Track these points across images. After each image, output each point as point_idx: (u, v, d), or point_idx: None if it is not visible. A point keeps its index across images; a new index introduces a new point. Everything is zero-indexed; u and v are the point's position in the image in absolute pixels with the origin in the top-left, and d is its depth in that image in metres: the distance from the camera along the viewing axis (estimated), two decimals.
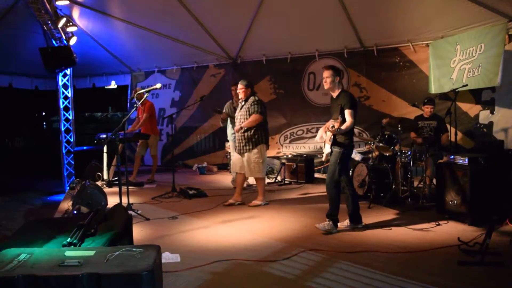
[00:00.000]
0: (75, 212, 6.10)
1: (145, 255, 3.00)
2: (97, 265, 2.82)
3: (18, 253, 3.05)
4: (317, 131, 10.15)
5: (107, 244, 3.54)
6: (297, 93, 11.01)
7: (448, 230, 5.43)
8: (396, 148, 7.20)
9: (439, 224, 5.65)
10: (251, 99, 7.03)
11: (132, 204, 6.73)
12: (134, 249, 3.09)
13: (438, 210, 6.16)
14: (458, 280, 3.85)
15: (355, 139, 9.88)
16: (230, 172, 9.04)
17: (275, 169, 10.55)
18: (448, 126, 7.53)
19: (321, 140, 5.79)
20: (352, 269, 4.17)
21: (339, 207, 5.52)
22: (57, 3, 8.65)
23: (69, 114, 10.12)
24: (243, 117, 6.99)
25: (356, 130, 10.23)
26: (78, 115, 12.84)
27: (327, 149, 5.55)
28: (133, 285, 2.71)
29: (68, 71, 10.04)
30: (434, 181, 6.67)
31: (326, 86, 5.58)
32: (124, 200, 6.48)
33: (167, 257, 4.48)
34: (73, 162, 10.04)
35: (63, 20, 8.89)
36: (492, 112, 8.45)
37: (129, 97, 13.04)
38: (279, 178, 9.55)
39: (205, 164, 11.37)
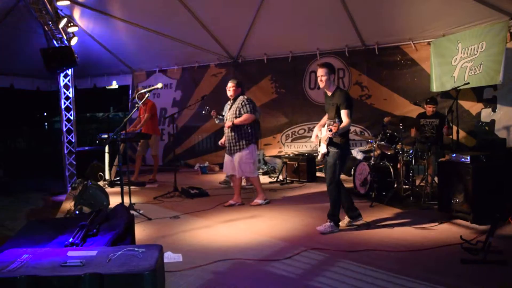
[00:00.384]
0: (77, 212, 6.11)
1: (147, 255, 3.00)
2: (99, 265, 2.82)
3: (20, 253, 3.05)
4: None
5: (109, 244, 3.54)
6: (298, 92, 11.02)
7: (450, 229, 5.42)
8: (398, 146, 7.19)
9: (441, 223, 5.64)
10: (240, 98, 6.97)
11: (134, 204, 6.73)
12: (136, 249, 3.09)
13: (440, 209, 6.14)
14: (460, 279, 3.84)
15: (356, 138, 10.08)
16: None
17: (276, 168, 10.54)
18: (450, 124, 7.51)
19: (316, 140, 5.75)
20: (354, 268, 4.17)
21: (340, 207, 5.52)
22: (58, 3, 8.65)
23: (71, 115, 10.11)
24: (232, 116, 6.93)
25: (357, 129, 10.24)
26: (79, 116, 12.86)
27: (322, 149, 5.49)
28: (135, 285, 2.71)
29: (69, 72, 10.03)
30: (436, 179, 6.66)
31: (322, 84, 5.51)
32: (126, 200, 6.48)
33: (169, 257, 4.48)
34: (75, 163, 10.04)
35: (64, 21, 8.90)
36: (494, 110, 8.44)
37: (130, 97, 13.04)
38: (280, 177, 9.54)
39: (206, 164, 11.38)
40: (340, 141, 5.40)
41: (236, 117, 6.88)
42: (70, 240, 3.55)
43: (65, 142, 10.07)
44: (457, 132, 7.24)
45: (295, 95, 11.06)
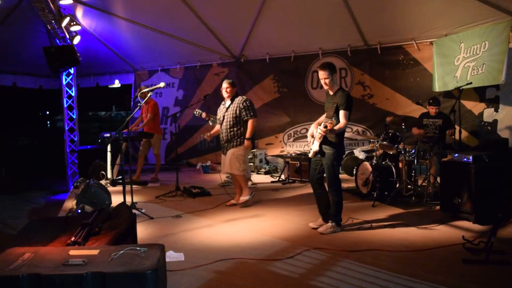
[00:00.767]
0: (79, 211, 6.11)
1: (149, 254, 3.00)
2: (101, 264, 2.82)
3: (23, 252, 3.06)
4: None
5: (111, 243, 3.55)
6: (300, 92, 11.01)
7: (453, 229, 5.42)
8: (400, 146, 7.17)
9: (443, 223, 5.63)
10: (239, 99, 6.92)
11: (136, 203, 6.73)
12: (138, 248, 3.09)
13: (442, 209, 6.14)
14: (462, 279, 3.83)
15: (358, 137, 10.07)
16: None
17: (278, 167, 10.54)
18: (453, 124, 7.50)
19: (310, 137, 5.72)
20: (356, 267, 4.17)
21: (342, 208, 5.51)
22: (61, 2, 8.66)
23: (73, 113, 10.13)
24: (230, 116, 6.86)
25: (360, 128, 10.24)
26: (82, 114, 12.87)
27: (315, 147, 5.41)
28: (137, 284, 2.72)
29: (71, 70, 10.04)
30: (439, 179, 6.65)
31: (326, 87, 5.49)
32: (128, 199, 6.49)
33: (171, 256, 4.49)
34: (77, 161, 10.05)
35: (67, 19, 8.90)
36: (496, 110, 8.43)
37: (132, 96, 13.06)
38: (283, 176, 9.54)
39: (208, 163, 11.37)
40: (335, 140, 5.34)
41: (234, 117, 6.82)
42: (72, 239, 3.55)
43: (68, 140, 10.09)
44: (460, 132, 7.24)
45: (298, 95, 11.06)
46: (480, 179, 5.53)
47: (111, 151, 9.14)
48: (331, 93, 5.54)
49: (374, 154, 8.00)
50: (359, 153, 9.39)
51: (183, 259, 4.47)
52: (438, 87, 8.92)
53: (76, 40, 9.55)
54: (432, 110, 7.68)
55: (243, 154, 6.89)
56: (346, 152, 10.20)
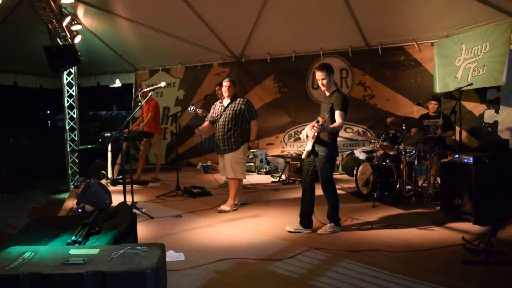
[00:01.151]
0: (80, 210, 6.11)
1: (149, 254, 3.00)
2: (102, 263, 2.82)
3: (23, 251, 3.06)
4: None
5: (111, 243, 3.54)
6: (301, 92, 11.02)
7: (453, 229, 5.42)
8: (401, 147, 7.18)
9: (443, 223, 5.63)
10: (241, 100, 6.80)
11: (136, 202, 6.73)
12: (138, 248, 3.09)
13: (442, 209, 6.14)
14: (462, 279, 3.83)
15: (359, 138, 10.07)
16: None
17: (279, 168, 10.55)
18: (454, 125, 7.50)
19: (303, 138, 5.66)
20: (357, 268, 4.17)
21: (339, 208, 5.50)
22: (62, 1, 8.66)
23: (74, 113, 10.13)
24: (229, 116, 6.72)
25: (360, 129, 10.24)
26: (82, 114, 12.86)
27: (308, 146, 5.39)
28: (137, 283, 2.72)
29: (72, 70, 10.04)
30: (439, 180, 6.65)
31: (324, 88, 5.45)
32: (129, 199, 6.50)
33: (171, 256, 4.49)
34: (77, 161, 10.05)
35: (68, 19, 8.90)
36: (497, 111, 8.43)
37: (133, 96, 13.06)
38: (283, 177, 9.54)
39: (209, 163, 11.38)
40: (328, 139, 5.30)
41: (233, 118, 6.69)
42: (73, 238, 3.55)
43: (68, 140, 10.09)
44: (460, 133, 7.24)
45: (298, 95, 11.06)
46: (480, 180, 5.53)
47: (111, 151, 9.15)
48: (327, 94, 5.51)
49: (374, 154, 8.00)
50: (359, 154, 9.39)
51: (183, 259, 4.47)
52: (439, 88, 8.93)
53: (77, 39, 9.55)
54: (431, 105, 7.70)
55: (242, 157, 6.81)
56: (347, 153, 10.23)
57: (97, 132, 15.09)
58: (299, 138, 10.97)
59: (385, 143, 7.40)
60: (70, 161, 9.94)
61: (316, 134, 5.28)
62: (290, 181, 9.28)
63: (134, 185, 6.99)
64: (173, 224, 5.97)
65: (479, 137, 8.62)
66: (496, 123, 8.42)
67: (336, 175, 10.08)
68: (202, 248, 4.90)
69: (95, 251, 3.06)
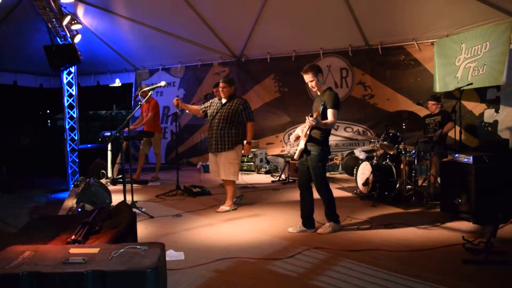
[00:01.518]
0: (80, 209, 6.12)
1: (149, 253, 3.00)
2: (102, 263, 2.82)
3: (23, 250, 3.06)
4: None
5: (111, 242, 3.55)
6: (301, 92, 11.00)
7: (453, 229, 5.42)
8: (401, 146, 7.18)
9: (443, 223, 5.63)
10: (238, 100, 6.70)
11: (136, 202, 6.73)
12: (138, 247, 3.10)
13: (442, 209, 6.14)
14: (462, 279, 3.83)
15: (359, 137, 10.07)
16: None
17: (279, 167, 10.55)
18: (453, 116, 7.47)
19: (293, 139, 5.64)
20: (356, 267, 4.16)
21: (335, 206, 5.48)
22: (62, 0, 8.67)
23: (74, 112, 10.14)
24: (225, 115, 6.62)
25: (360, 128, 10.25)
26: (82, 113, 12.87)
27: (301, 145, 5.37)
28: (137, 283, 2.72)
29: (72, 69, 10.06)
30: (439, 179, 6.66)
31: (314, 89, 5.47)
32: (128, 198, 6.50)
33: (171, 255, 4.49)
34: (77, 160, 10.06)
35: (68, 18, 8.91)
36: (497, 111, 8.43)
37: (133, 95, 13.06)
38: (283, 176, 9.53)
39: (209, 162, 11.35)
40: (320, 138, 5.28)
41: (229, 117, 6.60)
42: (73, 237, 3.56)
43: (68, 139, 10.11)
44: (460, 133, 7.24)
45: (298, 94, 11.05)
46: (480, 179, 5.53)
47: (111, 150, 9.14)
48: (319, 93, 5.52)
49: (374, 154, 7.99)
50: (359, 153, 9.39)
51: (183, 258, 4.47)
52: (439, 87, 8.93)
53: (77, 38, 9.56)
54: (429, 105, 7.72)
55: (236, 158, 6.69)
56: (347, 152, 10.24)
57: (97, 131, 15.08)
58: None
59: (385, 142, 7.40)
60: (70, 160, 9.95)
61: (308, 132, 5.26)
62: (290, 180, 9.28)
63: (134, 185, 6.99)
64: (173, 224, 5.97)
65: (479, 137, 8.62)
66: (496, 122, 8.42)
67: (336, 175, 10.10)
68: (202, 247, 4.90)
69: (95, 250, 3.06)
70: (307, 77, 5.39)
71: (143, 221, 6.04)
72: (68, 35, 9.29)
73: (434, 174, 7.06)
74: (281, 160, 10.65)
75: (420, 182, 7.48)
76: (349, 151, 10.23)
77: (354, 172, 7.81)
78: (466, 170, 5.67)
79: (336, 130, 10.48)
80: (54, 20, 8.61)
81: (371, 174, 7.14)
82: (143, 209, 6.51)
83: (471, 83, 7.72)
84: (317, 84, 5.40)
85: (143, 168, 10.09)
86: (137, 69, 13.24)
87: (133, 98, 12.89)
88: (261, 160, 10.86)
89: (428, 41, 9.35)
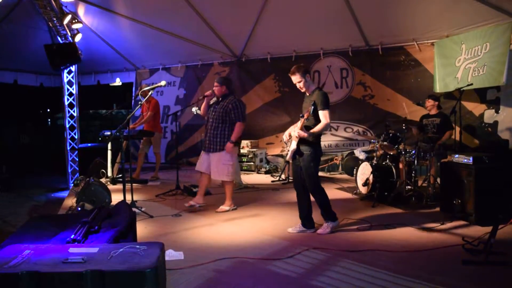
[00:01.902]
0: (79, 209, 6.13)
1: (148, 253, 3.00)
2: (101, 262, 2.83)
3: (22, 249, 3.06)
4: None
5: (110, 241, 3.55)
6: (301, 92, 10.96)
7: (452, 230, 5.42)
8: (401, 147, 7.18)
9: (443, 223, 5.63)
10: (231, 99, 6.63)
11: (136, 201, 6.74)
12: (137, 246, 3.10)
13: (442, 209, 6.14)
14: (461, 280, 3.84)
15: (359, 137, 10.06)
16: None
17: (279, 167, 10.55)
18: (453, 125, 7.49)
19: (286, 139, 5.60)
20: (356, 267, 4.17)
21: (330, 205, 5.45)
22: (63, 0, 8.67)
23: (74, 111, 10.14)
24: (217, 114, 6.59)
25: (360, 129, 10.24)
26: (82, 112, 12.87)
27: (293, 146, 5.33)
28: (136, 282, 2.72)
29: (73, 68, 10.05)
30: (439, 180, 6.66)
31: (303, 90, 5.48)
32: (128, 197, 6.50)
33: (170, 255, 4.49)
34: (77, 159, 10.06)
35: (68, 17, 8.91)
36: (497, 111, 8.42)
37: (133, 94, 13.06)
38: (283, 176, 9.54)
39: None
40: (312, 138, 5.26)
41: (222, 116, 6.55)
42: (72, 236, 3.56)
43: (68, 138, 10.10)
44: (460, 133, 7.25)
45: (298, 94, 10.92)
46: (480, 180, 5.54)
47: (111, 149, 9.15)
48: (307, 93, 5.52)
49: (374, 154, 7.99)
50: (359, 154, 9.38)
51: (183, 258, 4.47)
52: (439, 88, 8.92)
53: (78, 37, 9.55)
54: (427, 104, 7.73)
55: (230, 159, 6.62)
56: (347, 152, 10.23)
57: (97, 130, 15.07)
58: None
59: (385, 143, 7.39)
60: (70, 159, 9.94)
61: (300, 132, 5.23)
62: (290, 180, 9.26)
63: (133, 184, 6.99)
64: (173, 223, 5.97)
65: (479, 137, 8.62)
66: (496, 123, 8.42)
67: (336, 175, 10.10)
68: (201, 247, 4.90)
69: (94, 249, 3.07)
70: (295, 78, 5.42)
71: (142, 221, 6.04)
72: (69, 34, 9.29)
73: (434, 174, 7.06)
74: (281, 160, 10.65)
75: (420, 182, 7.48)
76: (349, 152, 10.23)
77: (354, 172, 7.81)
78: (466, 171, 5.67)
79: (336, 130, 10.49)
80: (54, 19, 8.61)
81: (371, 175, 7.15)
82: (142, 209, 6.51)
83: (471, 84, 7.72)
84: (305, 85, 5.43)
85: (143, 167, 10.09)
86: (138, 69, 13.24)
87: (133, 98, 12.89)
88: (261, 160, 10.86)
89: (428, 41, 9.34)
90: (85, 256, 2.90)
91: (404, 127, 7.02)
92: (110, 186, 8.14)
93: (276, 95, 11.35)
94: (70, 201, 7.22)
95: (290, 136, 5.49)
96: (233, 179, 6.84)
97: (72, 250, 3.08)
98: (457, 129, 7.32)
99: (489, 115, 8.54)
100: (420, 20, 8.90)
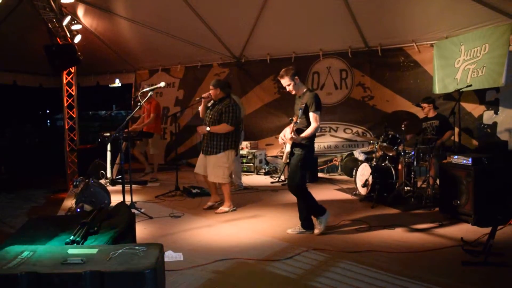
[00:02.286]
0: (79, 210, 6.12)
1: (148, 254, 3.00)
2: (100, 263, 2.82)
3: (21, 250, 3.06)
4: (320, 131, 10.16)
5: (110, 242, 3.55)
6: None
7: (452, 230, 5.42)
8: (400, 148, 7.18)
9: (442, 224, 5.64)
10: (226, 102, 6.62)
11: (135, 202, 6.74)
12: (137, 247, 3.09)
13: (441, 210, 6.15)
14: (461, 280, 3.84)
15: (358, 139, 10.06)
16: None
17: (278, 168, 10.55)
18: (451, 126, 7.50)
19: (281, 141, 5.63)
20: (355, 268, 4.17)
21: (317, 205, 5.44)
22: (62, 1, 8.66)
23: (73, 112, 10.14)
24: (213, 116, 6.60)
25: (359, 130, 10.24)
26: (82, 113, 12.88)
27: (287, 148, 5.38)
28: (135, 283, 2.72)
29: (72, 69, 10.05)
30: (438, 181, 6.66)
31: (293, 92, 5.47)
32: (128, 199, 6.50)
33: (170, 256, 4.49)
34: (76, 160, 10.06)
35: (68, 18, 8.91)
36: (496, 113, 8.42)
37: (133, 95, 13.06)
38: (282, 177, 9.54)
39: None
40: (305, 140, 5.28)
41: (216, 118, 6.56)
42: (71, 237, 3.56)
43: (67, 139, 10.10)
44: (459, 134, 7.25)
45: None
46: (479, 181, 5.54)
47: (111, 151, 9.14)
48: (298, 95, 5.51)
49: (373, 155, 8.00)
50: (358, 155, 9.39)
51: (182, 259, 4.47)
52: (438, 89, 8.92)
53: (77, 39, 9.56)
54: (425, 108, 7.75)
55: (226, 162, 6.61)
56: (346, 153, 10.23)
57: (96, 131, 15.08)
58: None
59: (384, 144, 7.40)
60: (69, 160, 9.94)
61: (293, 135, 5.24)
62: None
63: (133, 185, 6.99)
64: (172, 224, 5.97)
65: (478, 139, 8.62)
66: (495, 124, 8.42)
67: (335, 176, 10.10)
68: (201, 248, 4.90)
69: (94, 250, 3.06)
70: (284, 82, 5.41)
71: (142, 222, 6.04)
72: (68, 35, 9.29)
73: (433, 175, 7.06)
74: (280, 161, 10.64)
75: (419, 183, 7.48)
76: (348, 153, 10.23)
77: (353, 173, 7.81)
78: (465, 172, 5.68)
79: (336, 131, 10.49)
80: (54, 20, 8.60)
81: (370, 176, 7.15)
82: (142, 210, 6.51)
83: (470, 85, 7.72)
84: (295, 87, 5.42)
85: (142, 168, 10.10)
86: (137, 70, 13.24)
87: (132, 99, 12.89)
88: (260, 161, 10.85)
89: (428, 42, 9.33)
90: (84, 257, 2.90)
91: (403, 127, 7.01)
92: (110, 187, 8.13)
93: (275, 96, 11.35)
94: (70, 202, 7.22)
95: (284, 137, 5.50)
96: (229, 180, 6.83)
97: (71, 251, 3.08)
98: (456, 130, 7.32)
99: (488, 116, 8.53)
100: (419, 22, 8.91)
